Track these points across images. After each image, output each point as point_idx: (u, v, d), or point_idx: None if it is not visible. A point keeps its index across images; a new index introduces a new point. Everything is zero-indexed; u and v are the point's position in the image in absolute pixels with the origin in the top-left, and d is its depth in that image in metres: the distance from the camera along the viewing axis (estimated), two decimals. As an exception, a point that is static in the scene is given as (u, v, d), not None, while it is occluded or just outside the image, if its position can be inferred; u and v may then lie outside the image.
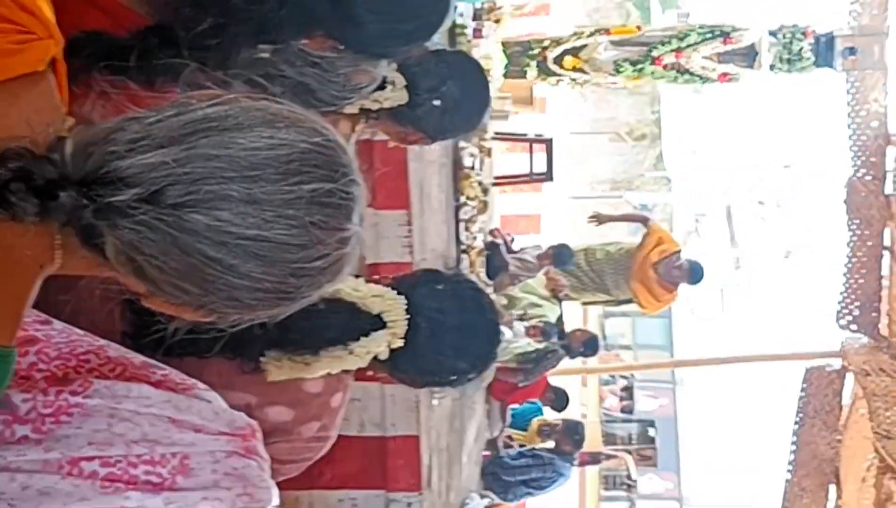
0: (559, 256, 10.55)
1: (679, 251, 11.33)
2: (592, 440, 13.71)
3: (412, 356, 2.38)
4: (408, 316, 2.33)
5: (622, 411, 23.55)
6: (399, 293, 2.36)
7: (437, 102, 2.98)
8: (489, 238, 10.28)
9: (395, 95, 2.91)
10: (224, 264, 1.30)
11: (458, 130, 3.21)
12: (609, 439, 20.78)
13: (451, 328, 2.41)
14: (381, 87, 2.90)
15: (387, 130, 3.16)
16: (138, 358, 1.63)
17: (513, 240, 10.86)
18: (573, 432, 11.00)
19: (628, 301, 11.61)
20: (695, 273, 11.23)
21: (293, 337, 2.22)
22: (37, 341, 1.63)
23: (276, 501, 1.62)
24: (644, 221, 11.69)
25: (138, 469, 1.47)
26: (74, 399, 1.52)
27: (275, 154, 1.32)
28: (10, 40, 1.38)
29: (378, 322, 2.33)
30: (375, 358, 2.33)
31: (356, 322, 2.31)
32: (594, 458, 13.49)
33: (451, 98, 2.99)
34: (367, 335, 2.31)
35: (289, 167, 1.32)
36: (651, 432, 22.20)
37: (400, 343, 2.33)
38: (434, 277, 2.52)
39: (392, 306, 2.32)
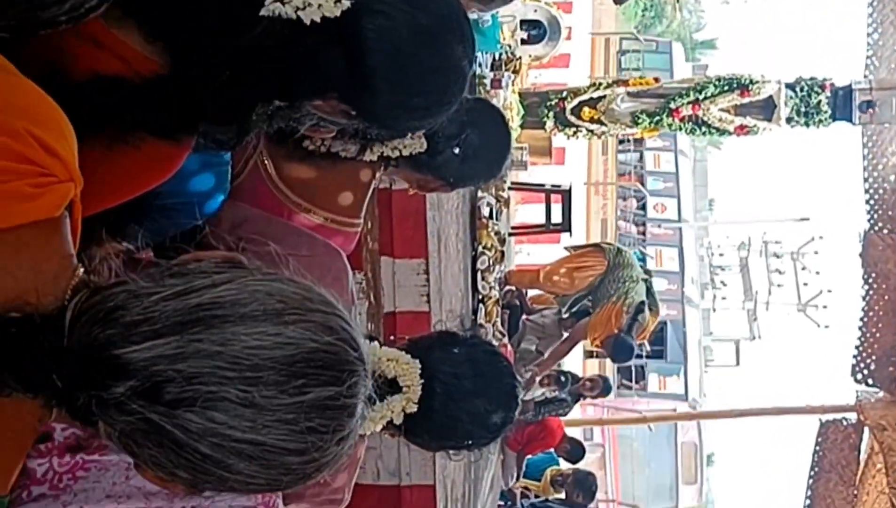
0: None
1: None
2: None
3: (426, 421, 2.31)
4: (422, 380, 2.28)
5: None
6: (414, 356, 2.34)
7: (456, 150, 2.98)
8: (507, 299, 10.29)
9: (415, 143, 2.90)
10: (217, 462, 1.27)
11: (479, 177, 3.20)
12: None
13: (466, 393, 2.36)
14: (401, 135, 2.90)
15: (406, 178, 3.15)
16: None
17: (526, 295, 10.78)
18: (584, 483, 10.94)
19: None
20: (617, 354, 10.81)
21: None
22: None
23: None
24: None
25: None
26: (91, 457, 1.51)
27: (280, 354, 1.27)
28: (31, 183, 1.32)
29: (393, 387, 2.28)
30: (390, 422, 2.32)
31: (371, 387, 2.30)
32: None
33: (471, 146, 2.98)
34: (381, 399, 2.24)
35: (292, 370, 1.28)
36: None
37: (414, 408, 2.26)
38: (450, 339, 2.47)
39: (406, 370, 2.27)
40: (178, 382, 1.22)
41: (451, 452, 2.49)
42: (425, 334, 2.51)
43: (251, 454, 1.26)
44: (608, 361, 14.60)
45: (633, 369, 24.72)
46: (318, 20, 1.87)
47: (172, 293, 1.28)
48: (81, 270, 1.35)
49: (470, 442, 2.43)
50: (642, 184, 30.51)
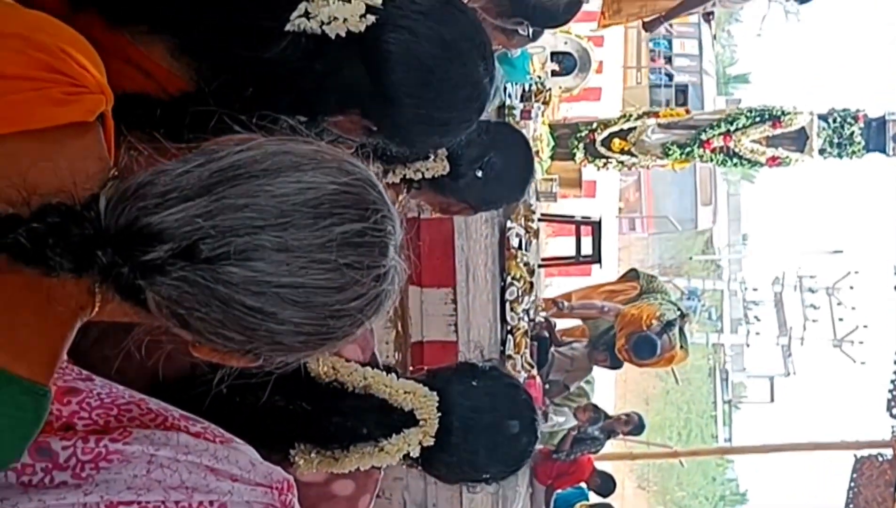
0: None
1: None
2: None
3: (444, 455, 2.27)
4: (440, 414, 2.26)
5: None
6: (433, 389, 2.31)
7: (479, 174, 2.96)
8: (537, 330, 10.25)
9: (437, 166, 2.89)
10: (264, 312, 1.31)
11: (502, 200, 3.18)
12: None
13: (485, 427, 2.32)
14: (424, 157, 2.88)
15: (429, 201, 3.14)
16: (178, 411, 1.64)
17: (555, 327, 10.71)
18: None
19: None
20: (638, 349, 10.88)
21: (323, 431, 2.19)
22: (79, 391, 1.63)
23: None
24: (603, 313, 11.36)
25: None
26: (114, 446, 1.52)
27: (303, 199, 1.33)
28: (63, 91, 1.41)
29: (410, 419, 2.24)
30: (407, 455, 2.29)
31: (387, 419, 2.23)
32: None
33: (493, 169, 2.97)
34: (398, 431, 2.22)
35: (318, 211, 1.33)
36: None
37: (431, 441, 2.23)
38: (469, 372, 2.43)
39: (424, 403, 2.24)
40: (213, 237, 1.29)
41: (469, 486, 2.46)
42: (444, 365, 2.48)
43: (294, 297, 1.32)
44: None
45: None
46: (343, 35, 1.87)
47: (195, 165, 1.35)
48: (116, 171, 1.43)
49: (487, 476, 2.40)
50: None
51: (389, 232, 1.40)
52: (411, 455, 2.23)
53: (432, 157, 2.90)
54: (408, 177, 2.91)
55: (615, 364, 10.60)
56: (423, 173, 2.91)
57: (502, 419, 2.35)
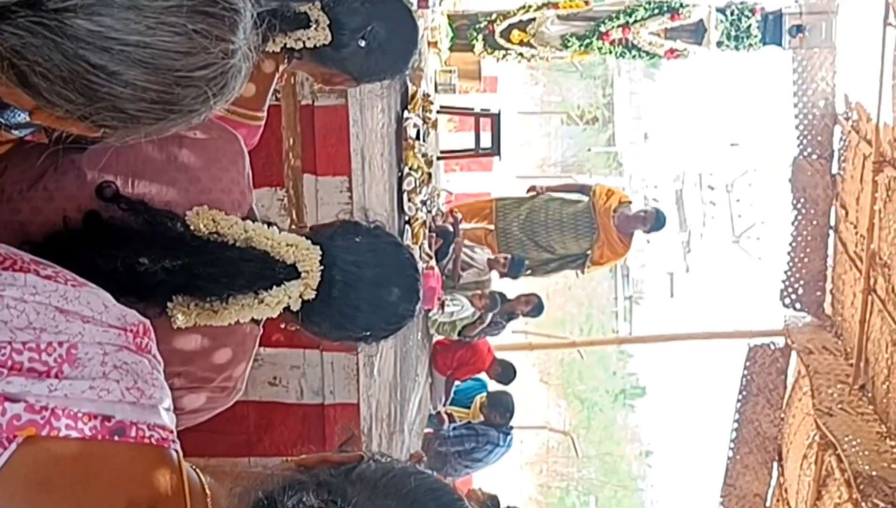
0: (513, 267, 10.58)
1: (631, 202, 11.33)
2: None
3: (325, 309, 2.28)
4: (322, 267, 2.25)
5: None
6: (315, 243, 2.28)
7: (362, 43, 2.91)
8: (440, 222, 10.25)
9: (319, 35, 2.83)
10: (107, 71, 1.28)
11: (385, 72, 3.11)
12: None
13: (367, 282, 2.31)
14: (305, 26, 2.82)
15: (311, 71, 3.08)
16: (28, 256, 1.58)
17: (461, 220, 10.74)
18: (500, 404, 10.92)
19: (574, 259, 11.42)
20: (658, 219, 11.14)
21: (202, 283, 2.16)
22: None
23: (167, 402, 1.55)
24: (585, 189, 11.58)
25: (23, 355, 1.41)
26: None
27: None
28: None
29: (292, 272, 2.23)
30: (287, 309, 2.26)
31: (268, 271, 2.22)
32: None
33: (376, 39, 2.92)
34: (279, 284, 2.22)
35: None
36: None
37: (312, 295, 2.23)
38: (353, 229, 2.41)
39: (306, 255, 2.23)
40: None
41: (350, 341, 2.44)
42: (328, 222, 2.45)
43: (140, 57, 1.29)
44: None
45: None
46: None
47: None
48: None
49: (368, 333, 2.39)
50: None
51: (241, 10, 1.38)
52: (291, 307, 2.22)
53: (314, 26, 2.84)
54: (288, 46, 2.85)
55: (515, 273, 10.67)
56: (304, 43, 2.85)
57: (384, 275, 2.34)
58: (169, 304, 2.15)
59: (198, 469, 1.54)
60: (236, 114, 2.81)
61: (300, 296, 2.21)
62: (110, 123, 1.36)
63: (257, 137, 2.98)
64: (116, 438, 1.43)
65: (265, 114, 2.99)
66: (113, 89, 1.30)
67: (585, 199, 11.09)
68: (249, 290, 2.19)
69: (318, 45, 2.85)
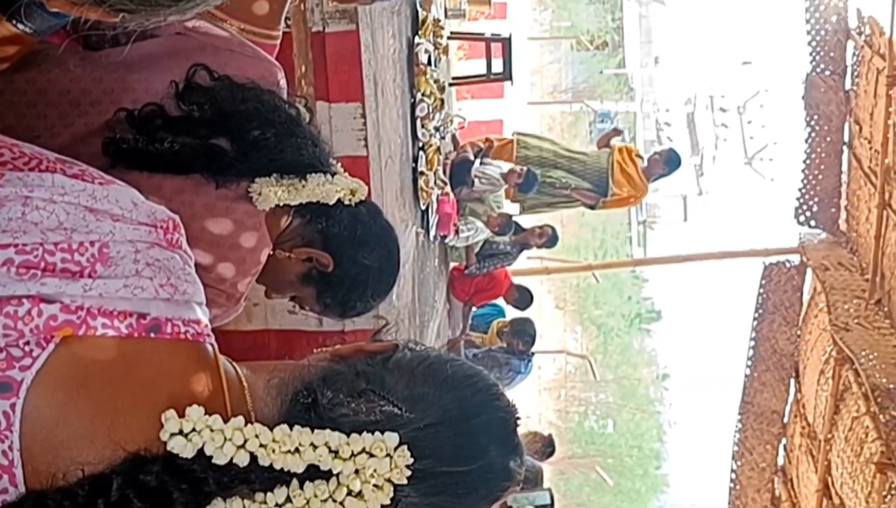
0: (527, 180, 10.53)
1: (641, 157, 11.39)
2: None
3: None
4: None
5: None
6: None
7: (376, -41, 2.91)
8: (462, 153, 10.23)
9: (333, -49, 2.84)
10: None
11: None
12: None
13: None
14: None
15: (326, -11, 3.09)
16: (53, 155, 1.58)
17: (485, 153, 10.73)
18: (523, 330, 10.97)
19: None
20: (672, 159, 11.22)
21: (288, 158, 2.35)
22: None
23: (200, 297, 1.57)
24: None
25: (55, 256, 1.42)
26: None
27: None
28: None
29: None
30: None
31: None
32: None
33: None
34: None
35: None
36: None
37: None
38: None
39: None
40: None
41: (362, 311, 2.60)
42: None
43: None
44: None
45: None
46: None
47: None
48: None
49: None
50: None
51: None
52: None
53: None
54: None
55: (529, 186, 10.65)
56: (317, -40, 2.85)
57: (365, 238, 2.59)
58: (253, 185, 2.32)
59: (234, 363, 1.55)
60: (251, 33, 2.81)
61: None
62: (128, 7, 1.32)
63: (274, 56, 2.99)
64: (152, 335, 1.44)
65: (280, 33, 2.99)
66: None
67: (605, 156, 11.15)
68: (323, 170, 2.42)
69: (332, -38, 2.86)
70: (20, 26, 2.11)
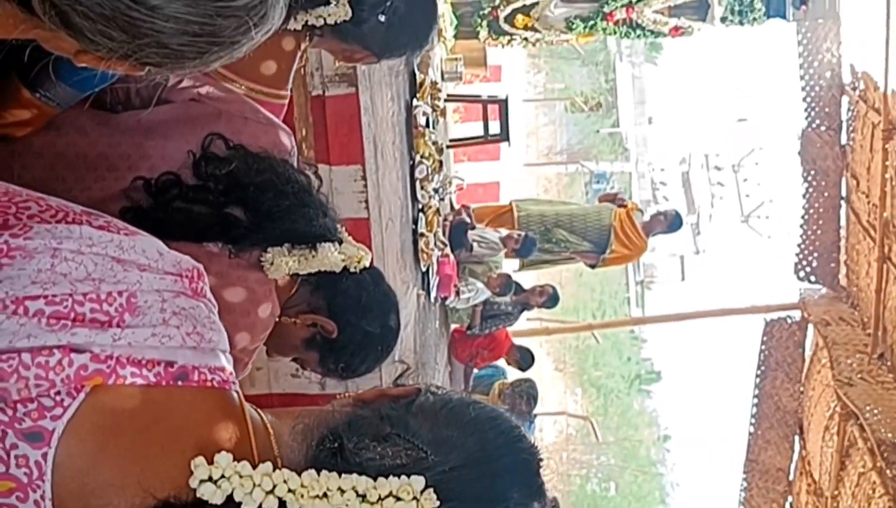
0: (525, 246, 10.54)
1: (643, 212, 11.44)
2: None
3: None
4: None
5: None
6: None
7: (381, 18, 2.93)
8: (457, 216, 10.26)
9: (339, 11, 2.85)
10: (148, 6, 1.27)
11: (405, 46, 3.14)
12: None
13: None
14: (326, 2, 2.84)
15: (331, 49, 3.11)
16: (79, 207, 1.59)
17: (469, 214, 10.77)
18: (526, 392, 10.94)
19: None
20: (675, 223, 11.26)
21: (299, 228, 2.39)
22: None
23: (225, 345, 1.57)
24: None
25: (84, 306, 1.43)
26: (15, 242, 1.46)
27: None
28: None
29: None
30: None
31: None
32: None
33: (396, 14, 2.94)
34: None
35: None
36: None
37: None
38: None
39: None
40: None
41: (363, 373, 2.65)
42: None
43: None
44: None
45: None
46: None
47: None
48: None
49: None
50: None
51: None
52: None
53: (334, 2, 2.86)
54: (310, 23, 2.87)
55: (527, 252, 10.66)
56: (324, 20, 2.87)
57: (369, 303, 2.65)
58: (266, 255, 2.37)
59: (258, 409, 1.56)
60: (259, 93, 2.84)
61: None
62: (154, 60, 1.35)
63: (281, 116, 3.00)
64: (180, 383, 1.45)
65: (288, 93, 3.01)
66: (155, 24, 1.29)
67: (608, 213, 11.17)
68: (332, 239, 2.46)
69: (338, 21, 2.88)
70: (41, 99, 2.14)
